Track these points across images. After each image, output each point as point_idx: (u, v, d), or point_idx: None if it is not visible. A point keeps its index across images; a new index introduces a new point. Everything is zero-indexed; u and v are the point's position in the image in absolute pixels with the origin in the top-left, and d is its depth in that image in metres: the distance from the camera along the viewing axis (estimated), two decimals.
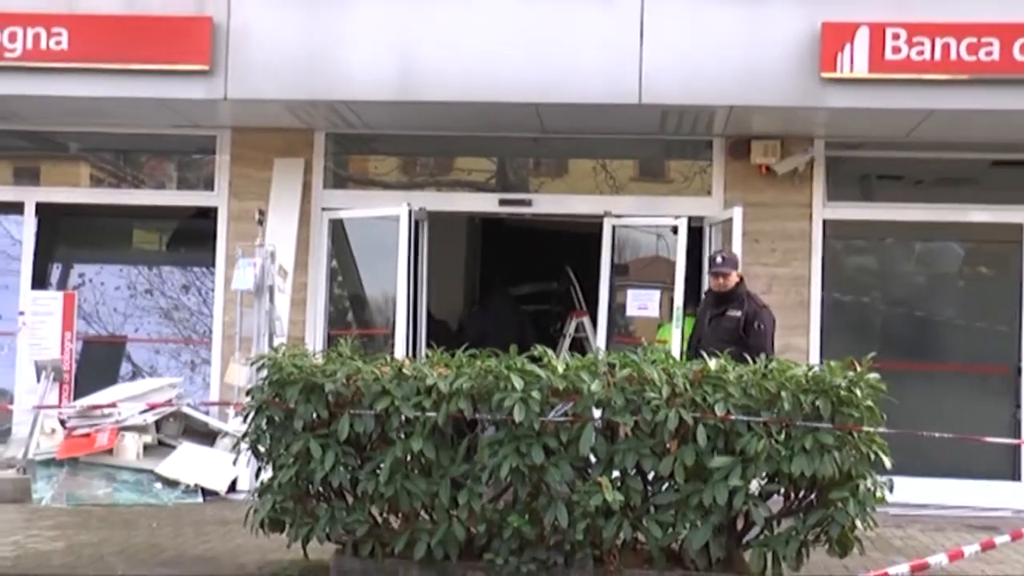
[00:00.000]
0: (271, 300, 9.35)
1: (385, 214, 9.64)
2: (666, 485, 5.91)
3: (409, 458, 5.94)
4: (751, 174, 9.63)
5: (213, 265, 10.16)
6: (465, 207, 10.58)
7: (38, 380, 9.56)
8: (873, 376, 5.88)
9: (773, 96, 8.61)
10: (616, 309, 9.82)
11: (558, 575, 5.91)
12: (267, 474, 6.31)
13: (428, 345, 6.88)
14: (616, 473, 5.87)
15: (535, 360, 5.96)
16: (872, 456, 5.81)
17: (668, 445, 5.77)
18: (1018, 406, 9.46)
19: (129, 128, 10.12)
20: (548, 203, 10.22)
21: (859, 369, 5.89)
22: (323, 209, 9.98)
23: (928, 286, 10.11)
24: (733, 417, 5.74)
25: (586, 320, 10.86)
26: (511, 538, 5.88)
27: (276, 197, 9.88)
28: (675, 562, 5.94)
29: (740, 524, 5.99)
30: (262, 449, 6.28)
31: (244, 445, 6.38)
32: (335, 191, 10.14)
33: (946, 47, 8.35)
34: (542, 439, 5.78)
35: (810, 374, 5.89)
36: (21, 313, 10.17)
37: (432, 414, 5.85)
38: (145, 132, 10.17)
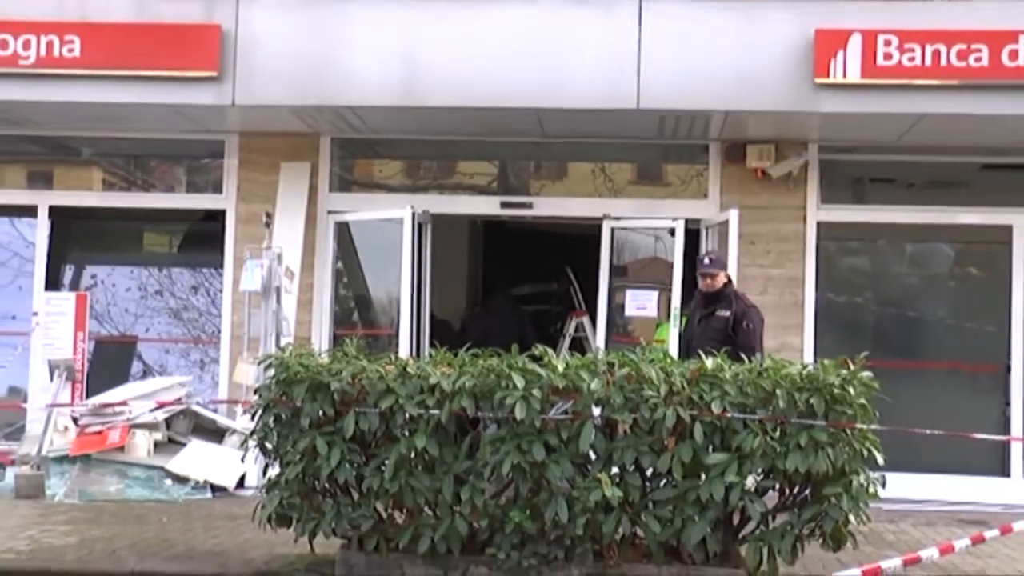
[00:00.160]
0: (278, 301, 9.35)
1: (389, 217, 9.64)
2: (664, 481, 5.91)
3: (413, 455, 5.95)
4: (747, 177, 9.63)
5: (221, 267, 10.15)
6: (467, 210, 10.57)
7: (51, 379, 9.54)
8: (866, 374, 5.89)
9: (768, 101, 8.60)
10: (615, 309, 9.82)
11: (559, 569, 5.91)
12: (274, 471, 6.31)
13: (431, 345, 6.87)
14: (615, 469, 5.88)
15: (536, 359, 5.97)
16: (865, 453, 5.82)
17: (666, 442, 5.77)
18: (1007, 403, 9.46)
19: (140, 133, 10.12)
20: (548, 206, 10.22)
21: (852, 368, 5.90)
22: (329, 212, 9.98)
23: (919, 286, 10.11)
24: (729, 415, 5.74)
25: (586, 320, 10.85)
26: (513, 533, 5.88)
27: (283, 200, 9.87)
28: (673, 556, 5.94)
29: (736, 519, 5.99)
30: (269, 446, 6.28)
31: (252, 442, 6.38)
32: (340, 194, 10.14)
33: (936, 54, 8.34)
34: (543, 436, 5.78)
35: (804, 373, 5.89)
36: (35, 313, 10.16)
37: (435, 412, 5.86)
38: (155, 137, 10.17)
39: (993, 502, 9.11)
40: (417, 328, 9.51)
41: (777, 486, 5.93)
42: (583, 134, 9.68)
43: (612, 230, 9.78)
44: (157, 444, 9.08)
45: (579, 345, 10.58)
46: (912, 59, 8.36)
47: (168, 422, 9.25)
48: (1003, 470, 9.46)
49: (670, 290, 9.33)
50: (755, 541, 5.85)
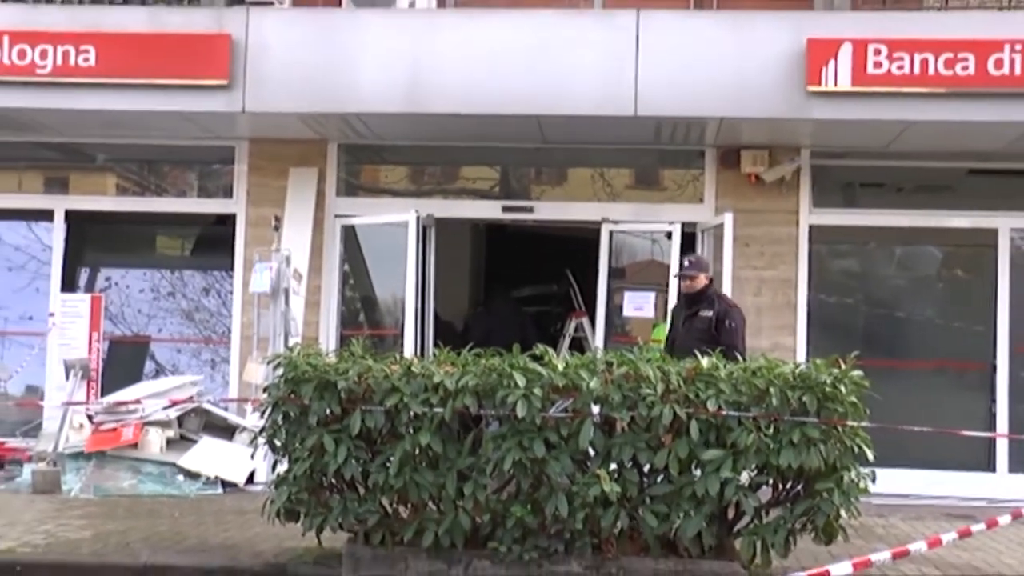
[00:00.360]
0: (286, 302, 9.34)
1: (394, 221, 9.64)
2: (661, 477, 5.91)
3: (417, 452, 5.94)
4: (741, 182, 9.63)
5: (232, 269, 10.16)
6: (470, 214, 10.57)
7: (67, 378, 9.56)
8: (857, 373, 5.88)
9: (762, 108, 8.61)
10: (613, 310, 9.83)
11: (559, 562, 5.91)
12: (283, 467, 6.31)
13: (435, 345, 6.85)
14: (613, 466, 5.87)
15: (537, 359, 5.96)
16: (856, 449, 5.82)
17: (663, 439, 5.77)
18: (993, 400, 9.46)
19: (152, 140, 10.12)
20: (549, 210, 10.22)
21: (843, 366, 5.90)
22: (336, 216, 9.98)
23: (908, 288, 10.11)
24: (724, 412, 5.74)
25: (585, 321, 10.85)
26: (514, 527, 5.88)
27: (291, 205, 9.88)
28: (670, 550, 5.94)
29: (731, 514, 5.99)
30: (278, 443, 6.27)
31: (261, 439, 6.38)
32: (347, 199, 10.15)
33: (924, 62, 8.35)
34: (543, 433, 5.78)
35: (797, 371, 5.89)
36: (51, 315, 10.18)
37: (439, 410, 5.85)
38: (167, 143, 10.17)
39: (980, 496, 9.09)
40: (421, 328, 9.51)
41: (770, 481, 5.93)
42: (582, 140, 9.68)
43: (611, 233, 9.79)
44: (169, 441, 9.08)
45: (579, 345, 10.57)
46: (901, 68, 8.37)
47: (180, 420, 9.25)
48: (989, 465, 9.45)
49: (667, 292, 9.33)
50: (749, 535, 5.86)
